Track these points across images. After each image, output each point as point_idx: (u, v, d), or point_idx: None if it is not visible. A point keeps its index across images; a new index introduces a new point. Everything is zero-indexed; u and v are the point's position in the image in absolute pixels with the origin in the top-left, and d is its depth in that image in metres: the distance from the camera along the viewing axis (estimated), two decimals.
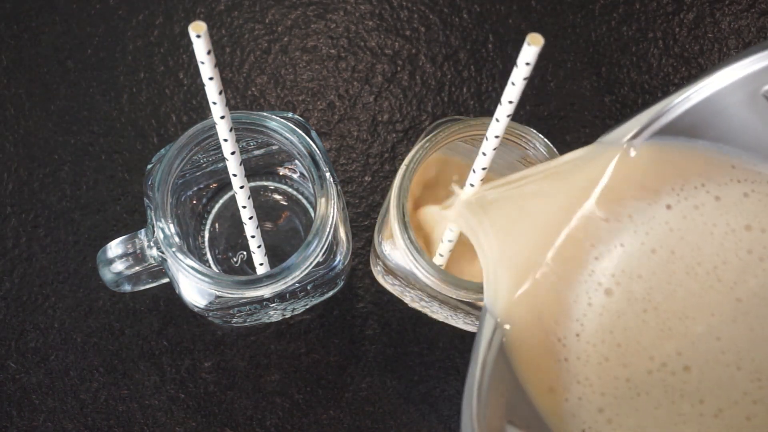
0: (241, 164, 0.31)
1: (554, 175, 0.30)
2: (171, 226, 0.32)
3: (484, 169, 0.30)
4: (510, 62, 0.47)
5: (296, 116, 0.35)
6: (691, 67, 0.47)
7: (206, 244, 0.41)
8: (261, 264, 0.35)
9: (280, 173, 0.41)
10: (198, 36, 0.24)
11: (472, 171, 0.31)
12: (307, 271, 0.32)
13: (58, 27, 0.46)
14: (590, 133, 0.46)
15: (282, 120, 0.33)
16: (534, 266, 0.30)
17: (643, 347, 0.29)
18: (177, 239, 0.32)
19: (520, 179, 0.31)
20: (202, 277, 0.31)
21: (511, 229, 0.30)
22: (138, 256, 0.34)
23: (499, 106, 0.27)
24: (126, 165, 0.44)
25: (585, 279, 0.30)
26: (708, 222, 0.30)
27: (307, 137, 0.33)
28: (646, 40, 0.47)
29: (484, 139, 0.29)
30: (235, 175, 0.31)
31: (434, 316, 0.39)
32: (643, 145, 0.30)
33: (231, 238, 0.41)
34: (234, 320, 0.38)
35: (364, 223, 0.44)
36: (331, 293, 0.40)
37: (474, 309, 0.35)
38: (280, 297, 0.35)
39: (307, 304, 0.40)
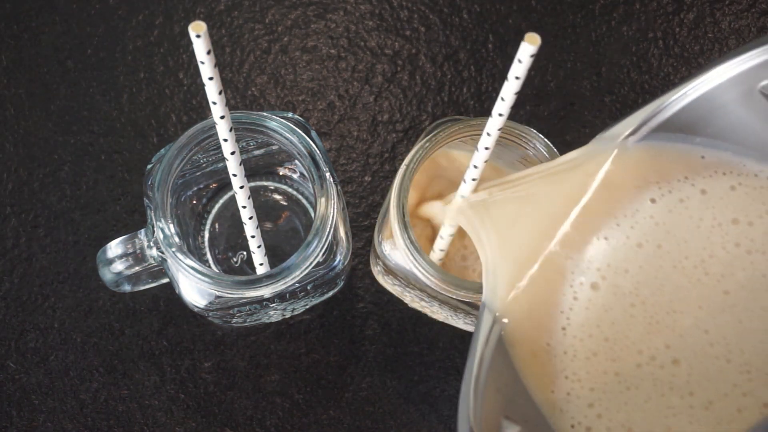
0: (241, 164, 0.31)
1: (553, 175, 0.31)
2: (171, 226, 0.32)
3: (482, 164, 0.30)
4: (510, 62, 0.47)
5: (296, 116, 0.35)
6: (691, 67, 0.47)
7: (206, 244, 0.41)
8: (261, 264, 0.35)
9: (280, 173, 0.41)
10: (198, 36, 0.24)
11: (471, 166, 0.31)
12: (307, 271, 0.32)
13: (58, 27, 0.46)
14: (590, 133, 0.46)
15: (282, 120, 0.33)
16: (532, 262, 0.30)
17: (632, 341, 0.29)
18: (177, 239, 0.32)
19: (521, 179, 0.31)
20: (202, 277, 0.31)
21: (512, 228, 0.31)
22: (138, 256, 0.34)
23: (498, 102, 0.28)
24: (126, 165, 0.44)
25: (572, 272, 0.30)
26: (694, 215, 0.30)
27: (307, 137, 0.33)
28: (646, 40, 0.47)
29: (485, 134, 0.29)
30: (235, 175, 0.31)
31: (434, 316, 0.39)
32: (638, 143, 0.30)
33: (231, 238, 0.41)
34: (234, 320, 0.38)
35: (364, 223, 0.44)
36: (331, 293, 0.40)
37: (474, 309, 0.35)
38: (280, 297, 0.35)
39: (307, 304, 0.40)
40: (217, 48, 0.46)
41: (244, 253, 0.41)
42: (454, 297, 0.33)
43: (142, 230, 0.34)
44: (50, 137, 0.45)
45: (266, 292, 0.32)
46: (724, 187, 0.30)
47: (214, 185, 0.40)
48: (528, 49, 0.24)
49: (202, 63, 0.25)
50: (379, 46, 0.47)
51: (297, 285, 0.34)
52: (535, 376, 0.29)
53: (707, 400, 0.28)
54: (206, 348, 0.42)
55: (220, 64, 0.46)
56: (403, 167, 0.33)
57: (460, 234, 0.35)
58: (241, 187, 0.32)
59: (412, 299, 0.38)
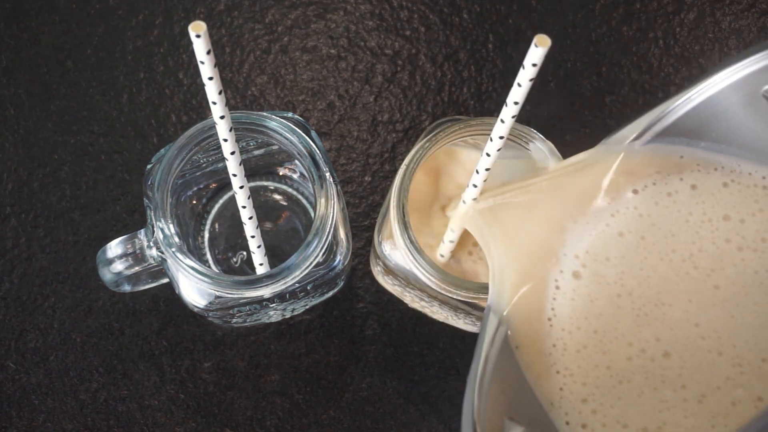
0: (241, 164, 0.31)
1: (559, 180, 0.31)
2: (171, 226, 0.32)
3: (487, 170, 0.30)
4: (510, 62, 0.47)
5: (296, 116, 0.35)
6: (691, 67, 0.47)
7: (206, 244, 0.41)
8: (261, 264, 0.35)
9: (280, 173, 0.41)
10: (198, 36, 0.24)
11: (475, 172, 0.31)
12: (307, 271, 0.32)
13: (58, 27, 0.46)
14: (590, 133, 0.46)
15: (282, 120, 0.33)
16: (538, 266, 0.30)
17: (621, 333, 0.29)
18: (177, 239, 0.32)
19: (528, 185, 0.31)
20: (202, 277, 0.31)
21: (518, 233, 0.31)
22: (138, 257, 0.34)
23: (504, 108, 0.28)
24: (126, 165, 0.44)
25: (554, 262, 0.30)
26: (683, 210, 0.30)
27: (307, 137, 0.33)
28: (646, 39, 0.47)
29: (489, 140, 0.29)
30: (235, 175, 0.31)
31: (434, 316, 0.39)
32: (643, 147, 0.30)
33: (231, 238, 0.41)
34: (234, 320, 0.38)
35: (364, 223, 0.44)
36: (331, 293, 0.40)
37: (474, 309, 0.35)
38: (280, 297, 0.35)
39: (307, 305, 0.39)
40: (217, 48, 0.46)
41: (244, 253, 0.41)
42: (455, 297, 0.33)
43: (142, 230, 0.34)
44: (50, 137, 0.45)
45: (266, 292, 0.32)
46: (716, 183, 0.30)
47: (214, 185, 0.40)
48: (538, 51, 0.24)
49: (202, 63, 0.25)
50: (379, 46, 0.47)
51: (297, 285, 0.34)
52: (537, 373, 0.29)
53: (700, 394, 0.28)
54: (206, 348, 0.42)
55: (220, 64, 0.46)
56: (403, 167, 0.33)
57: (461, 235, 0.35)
58: (241, 187, 0.32)
59: (412, 299, 0.38)
